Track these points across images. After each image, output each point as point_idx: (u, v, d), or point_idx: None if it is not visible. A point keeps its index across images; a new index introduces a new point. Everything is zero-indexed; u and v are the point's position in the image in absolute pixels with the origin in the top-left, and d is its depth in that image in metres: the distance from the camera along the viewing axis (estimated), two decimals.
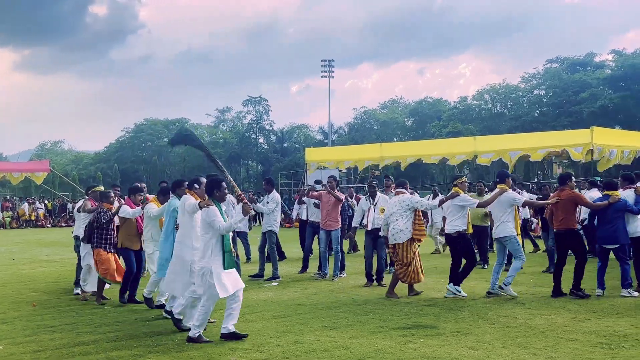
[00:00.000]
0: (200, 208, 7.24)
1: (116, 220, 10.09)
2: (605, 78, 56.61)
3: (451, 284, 9.74)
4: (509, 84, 66.77)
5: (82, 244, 10.39)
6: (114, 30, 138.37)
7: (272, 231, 12.37)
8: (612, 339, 6.84)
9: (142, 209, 9.56)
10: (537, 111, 61.81)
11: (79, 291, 10.64)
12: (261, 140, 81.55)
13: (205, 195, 7.42)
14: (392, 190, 11.10)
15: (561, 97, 57.31)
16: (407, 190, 10.40)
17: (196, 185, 7.78)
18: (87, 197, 11.01)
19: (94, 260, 9.96)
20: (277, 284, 11.70)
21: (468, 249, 9.91)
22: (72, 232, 11.43)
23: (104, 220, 9.68)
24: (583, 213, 12.78)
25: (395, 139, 67.89)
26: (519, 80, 66.26)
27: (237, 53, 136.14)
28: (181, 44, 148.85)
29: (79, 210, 10.81)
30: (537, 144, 24.39)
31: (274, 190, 12.58)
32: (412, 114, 74.97)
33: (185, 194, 7.81)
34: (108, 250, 9.83)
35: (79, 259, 10.70)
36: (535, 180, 40.19)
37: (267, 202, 12.36)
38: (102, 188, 10.87)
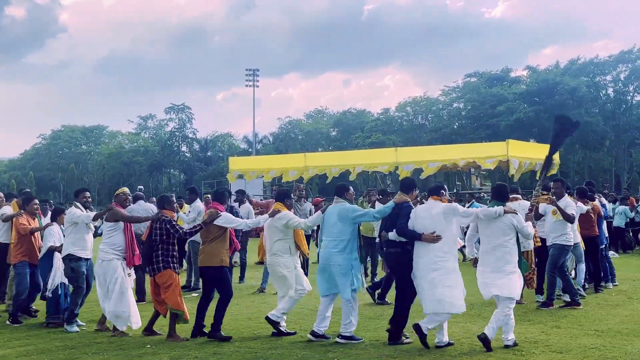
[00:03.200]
0: (505, 213, 7.10)
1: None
2: (521, 93, 58.80)
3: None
4: (430, 97, 68.50)
5: (104, 262, 8.06)
6: (31, 34, 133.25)
7: (195, 241, 12.21)
8: (523, 345, 7.08)
9: (272, 216, 7.93)
10: (457, 124, 63.57)
11: (99, 327, 8.40)
12: (184, 148, 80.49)
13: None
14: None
15: (479, 110, 59.13)
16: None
17: (442, 192, 7.42)
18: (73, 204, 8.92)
19: (151, 286, 8.00)
20: (197, 294, 11.50)
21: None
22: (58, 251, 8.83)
23: (182, 232, 7.83)
24: None
25: (319, 149, 68.31)
26: (439, 93, 68.15)
27: (162, 60, 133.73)
28: (103, 49, 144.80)
29: (94, 219, 8.45)
30: (455, 155, 25.01)
31: (197, 199, 12.43)
32: (337, 124, 75.69)
33: (432, 199, 7.31)
34: (177, 271, 7.93)
35: (83, 286, 8.51)
36: (455, 190, 41.30)
37: (189, 212, 12.24)
38: (126, 189, 8.78)
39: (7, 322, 8.86)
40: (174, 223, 7.79)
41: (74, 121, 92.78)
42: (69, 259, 8.37)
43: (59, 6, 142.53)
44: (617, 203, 18.77)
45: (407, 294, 7.36)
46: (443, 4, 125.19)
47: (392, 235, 7.31)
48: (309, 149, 62.79)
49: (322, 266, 7.60)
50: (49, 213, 10.08)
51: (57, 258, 8.81)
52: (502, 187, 7.77)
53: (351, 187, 7.96)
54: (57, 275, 8.76)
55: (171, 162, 78.85)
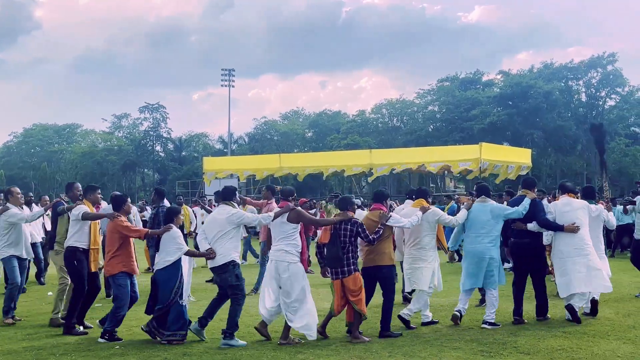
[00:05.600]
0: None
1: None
2: (495, 96, 59.35)
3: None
4: (405, 100, 68.86)
5: (295, 266, 7.47)
6: (4, 30, 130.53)
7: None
8: (492, 347, 7.16)
9: (424, 212, 8.28)
10: (431, 126, 63.92)
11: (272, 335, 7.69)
12: (158, 148, 79.67)
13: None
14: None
15: (454, 113, 59.57)
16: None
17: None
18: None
19: (337, 289, 7.65)
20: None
21: None
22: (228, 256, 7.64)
23: (372, 237, 7.62)
24: None
25: (295, 150, 68.22)
26: (414, 96, 68.52)
27: (138, 58, 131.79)
28: (78, 47, 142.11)
29: (274, 219, 7.67)
30: (429, 158, 25.28)
31: (165, 201, 12.04)
32: (312, 125, 75.65)
33: (568, 196, 8.72)
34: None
35: (245, 293, 7.85)
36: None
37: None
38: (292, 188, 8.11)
39: (101, 340, 7.66)
40: (364, 226, 7.68)
41: (47, 119, 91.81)
42: (233, 266, 7.56)
43: (33, 2, 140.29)
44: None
45: (544, 276, 8.81)
46: (420, 7, 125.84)
47: (532, 226, 8.48)
48: (285, 150, 62.52)
49: (476, 260, 8.42)
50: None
51: (186, 267, 7.94)
52: (591, 188, 9.66)
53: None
54: (187, 286, 7.95)
55: (145, 161, 78.02)
